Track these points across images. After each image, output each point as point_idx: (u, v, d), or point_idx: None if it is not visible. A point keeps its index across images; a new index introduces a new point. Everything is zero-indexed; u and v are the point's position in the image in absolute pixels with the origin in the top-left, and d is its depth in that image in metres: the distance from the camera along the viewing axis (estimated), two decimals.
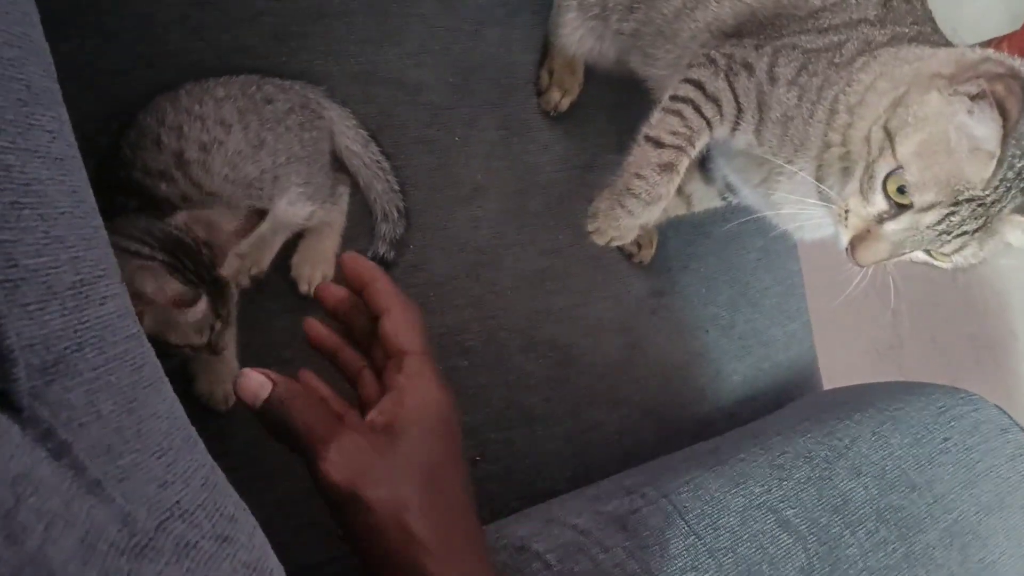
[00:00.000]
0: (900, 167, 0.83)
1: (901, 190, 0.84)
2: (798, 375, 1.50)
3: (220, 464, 0.67)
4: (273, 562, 0.63)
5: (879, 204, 0.85)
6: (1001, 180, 0.80)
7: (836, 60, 0.95)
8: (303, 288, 1.13)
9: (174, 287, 0.84)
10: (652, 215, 1.05)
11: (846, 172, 0.93)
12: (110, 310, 0.59)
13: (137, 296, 0.77)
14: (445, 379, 0.74)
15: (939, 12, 1.05)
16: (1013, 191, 0.81)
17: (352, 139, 1.16)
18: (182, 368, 1.02)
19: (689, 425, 1.37)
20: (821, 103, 0.94)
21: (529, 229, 1.30)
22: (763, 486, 0.98)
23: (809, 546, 0.93)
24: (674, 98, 1.04)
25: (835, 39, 0.97)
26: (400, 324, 0.74)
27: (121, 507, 0.50)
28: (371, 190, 1.18)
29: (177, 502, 0.56)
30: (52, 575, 0.43)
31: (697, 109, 1.02)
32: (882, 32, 0.97)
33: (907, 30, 0.98)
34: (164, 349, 0.88)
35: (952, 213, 0.82)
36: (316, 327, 0.79)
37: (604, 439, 1.30)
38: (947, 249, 0.85)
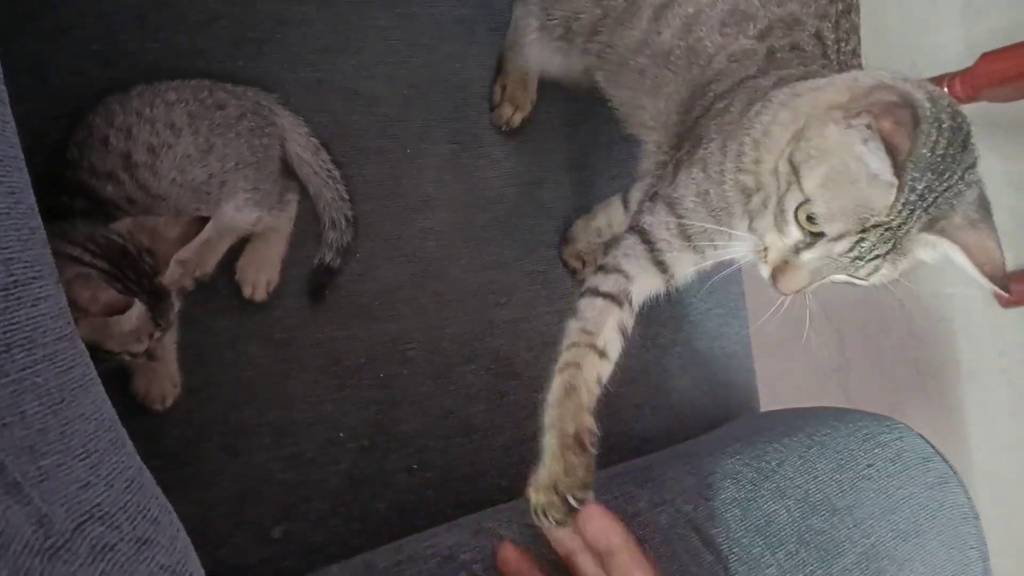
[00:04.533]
0: (808, 199, 0.85)
1: (811, 219, 0.86)
2: (736, 395, 1.52)
3: (154, 464, 0.67)
4: (194, 565, 0.64)
5: (794, 235, 0.87)
6: (904, 204, 0.81)
7: (728, 120, 0.97)
8: (247, 292, 1.14)
9: (107, 295, 0.84)
10: None
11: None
12: (42, 311, 0.59)
13: (71, 304, 0.77)
14: None
15: (899, 46, 1.06)
16: (918, 212, 0.82)
17: (303, 146, 1.17)
18: (119, 367, 1.01)
19: (627, 441, 1.39)
20: (727, 157, 0.96)
21: (476, 243, 1.31)
22: (690, 505, 1.00)
23: (730, 565, 0.95)
24: (572, 312, 1.05)
25: (720, 106, 0.99)
26: None
27: (38, 508, 0.51)
28: (320, 198, 1.19)
29: (98, 504, 0.56)
30: None
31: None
32: (767, 79, 0.98)
33: (794, 71, 0.99)
34: (102, 355, 0.88)
35: (861, 240, 0.83)
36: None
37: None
38: (862, 273, 0.86)
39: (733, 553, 0.96)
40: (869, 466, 1.08)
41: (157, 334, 0.93)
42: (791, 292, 0.89)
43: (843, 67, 1.04)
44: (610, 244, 1.35)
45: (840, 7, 1.06)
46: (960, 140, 0.84)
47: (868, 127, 0.79)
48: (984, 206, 0.87)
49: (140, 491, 0.62)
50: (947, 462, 1.13)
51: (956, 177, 0.83)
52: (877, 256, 0.84)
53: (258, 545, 1.11)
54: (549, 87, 1.35)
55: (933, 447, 1.13)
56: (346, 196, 1.19)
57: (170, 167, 0.99)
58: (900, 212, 0.82)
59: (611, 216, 1.30)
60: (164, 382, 1.05)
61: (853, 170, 0.82)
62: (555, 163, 1.39)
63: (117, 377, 1.02)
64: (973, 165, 0.86)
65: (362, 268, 1.23)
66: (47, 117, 1.03)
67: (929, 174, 0.82)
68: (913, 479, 1.09)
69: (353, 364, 1.20)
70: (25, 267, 0.59)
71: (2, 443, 0.51)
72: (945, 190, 0.83)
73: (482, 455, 1.28)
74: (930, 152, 0.81)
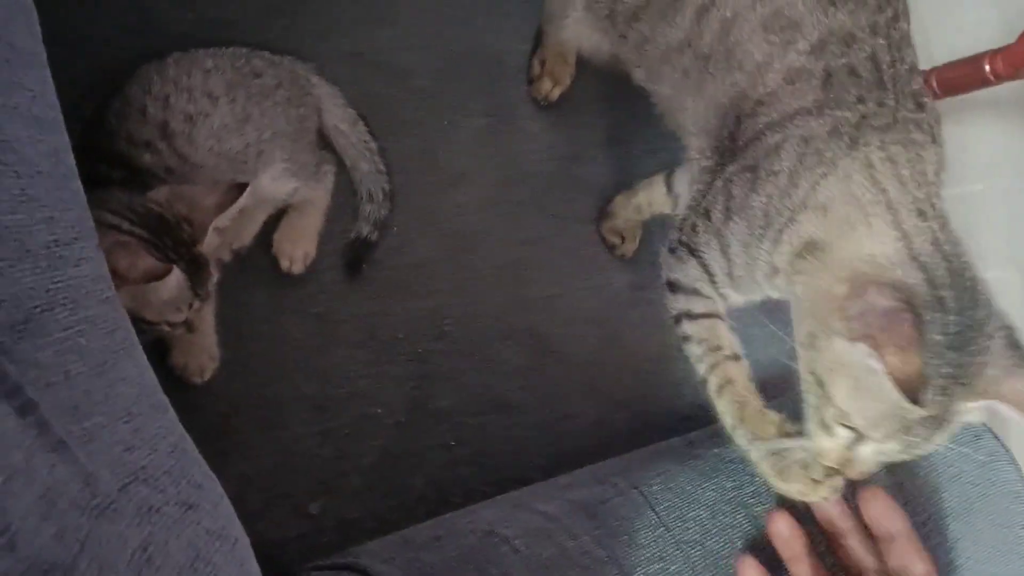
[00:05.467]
0: (843, 413, 0.83)
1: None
2: (776, 374, 1.50)
3: (192, 436, 0.67)
4: (238, 530, 0.63)
5: (843, 436, 0.85)
6: (942, 393, 0.78)
7: (776, 169, 0.93)
8: (284, 265, 1.13)
9: (146, 263, 0.83)
10: None
11: None
12: (84, 272, 0.58)
13: (111, 272, 0.77)
14: None
15: (933, 25, 1.02)
16: (954, 389, 0.79)
17: (340, 118, 1.16)
18: (158, 340, 1.01)
19: (665, 419, 1.37)
20: (769, 227, 0.93)
21: (511, 217, 1.30)
22: (734, 481, 0.98)
23: None
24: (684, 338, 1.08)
25: (771, 142, 0.95)
26: None
27: (84, 467, 0.50)
28: (357, 170, 1.18)
29: (143, 466, 0.55)
30: (9, 527, 0.43)
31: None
32: (820, 122, 0.93)
33: (849, 115, 0.92)
34: (141, 326, 0.88)
35: (909, 432, 0.81)
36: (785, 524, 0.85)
37: (578, 429, 1.30)
38: (920, 452, 0.84)
39: None
40: None
41: (196, 303, 0.92)
42: (866, 476, 0.88)
43: (899, 97, 0.97)
44: (676, 227, 1.20)
45: (889, 14, 1.00)
46: (968, 303, 0.80)
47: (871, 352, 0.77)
48: (1013, 343, 0.83)
49: (183, 456, 0.61)
50: (998, 439, 1.10)
51: (978, 340, 0.80)
52: (929, 437, 0.82)
53: (295, 520, 1.10)
54: (586, 61, 1.34)
55: (984, 423, 1.11)
56: (383, 169, 1.18)
57: (207, 136, 0.98)
58: (937, 404, 0.78)
59: (652, 195, 1.28)
60: (202, 355, 1.04)
61: (874, 383, 0.79)
62: (591, 138, 1.37)
63: (156, 350, 1.02)
64: (989, 316, 0.81)
65: (398, 242, 1.22)
66: (80, 88, 1.02)
67: (950, 353, 0.78)
68: (963, 457, 1.07)
69: (389, 339, 1.20)
70: (67, 228, 0.58)
71: (47, 402, 0.50)
72: (972, 356, 0.79)
73: (518, 432, 1.27)
74: (942, 335, 0.77)
